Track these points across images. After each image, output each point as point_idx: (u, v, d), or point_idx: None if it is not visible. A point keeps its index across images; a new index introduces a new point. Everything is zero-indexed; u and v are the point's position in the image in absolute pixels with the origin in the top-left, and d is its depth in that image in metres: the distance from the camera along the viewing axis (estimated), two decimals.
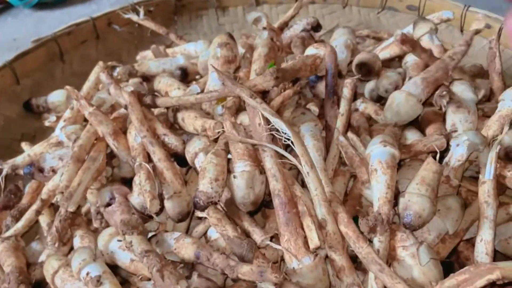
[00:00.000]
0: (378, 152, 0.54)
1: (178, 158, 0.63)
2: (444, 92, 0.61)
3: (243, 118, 0.61)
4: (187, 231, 0.59)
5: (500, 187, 0.59)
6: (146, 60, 0.90)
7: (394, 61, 0.82)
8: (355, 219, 0.57)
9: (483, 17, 0.79)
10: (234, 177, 0.53)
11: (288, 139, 0.53)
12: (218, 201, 0.56)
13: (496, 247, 0.57)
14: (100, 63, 0.75)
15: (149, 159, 0.60)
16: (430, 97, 0.69)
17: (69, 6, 1.43)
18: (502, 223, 0.57)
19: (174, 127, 0.68)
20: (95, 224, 0.61)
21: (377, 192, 0.52)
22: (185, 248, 0.51)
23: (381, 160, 0.53)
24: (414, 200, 0.51)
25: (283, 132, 0.53)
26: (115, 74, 0.82)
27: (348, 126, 0.67)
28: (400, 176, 0.59)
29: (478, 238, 0.53)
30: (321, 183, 0.52)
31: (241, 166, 0.54)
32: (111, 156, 0.66)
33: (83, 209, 0.65)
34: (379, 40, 0.98)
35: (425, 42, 0.76)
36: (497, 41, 0.77)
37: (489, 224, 0.53)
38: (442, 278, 0.49)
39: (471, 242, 0.61)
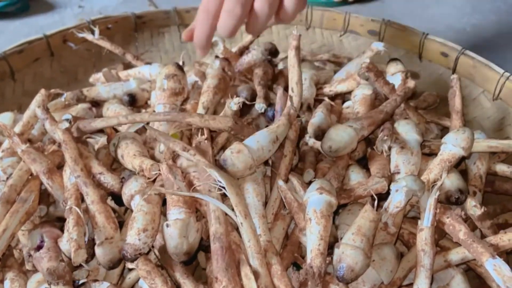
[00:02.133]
0: (313, 200, 0.53)
1: (117, 197, 0.60)
2: (386, 137, 0.61)
3: (184, 160, 0.59)
4: (120, 277, 0.57)
5: (440, 232, 0.59)
6: (98, 84, 0.88)
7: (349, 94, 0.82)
8: (296, 265, 0.56)
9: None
10: (167, 225, 0.51)
11: (223, 188, 0.52)
12: (153, 247, 0.54)
13: None
14: (42, 91, 0.72)
15: (83, 201, 0.57)
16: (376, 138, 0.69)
17: (30, 16, 1.39)
18: (440, 269, 0.57)
19: (117, 160, 0.66)
20: (28, 266, 0.59)
21: (310, 243, 0.51)
22: None
23: (316, 209, 0.52)
24: (348, 253, 0.50)
25: (218, 181, 0.51)
26: (62, 99, 0.80)
27: (296, 165, 0.67)
28: (340, 221, 0.58)
29: (414, 287, 0.53)
30: (255, 234, 0.50)
31: (175, 213, 0.52)
32: (47, 193, 0.63)
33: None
34: (339, 64, 0.98)
35: (394, 79, 0.77)
36: (457, 79, 0.78)
37: (425, 273, 0.53)
38: None
39: (410, 286, 0.61)
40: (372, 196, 0.58)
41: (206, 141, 0.58)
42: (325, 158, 0.68)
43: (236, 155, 0.54)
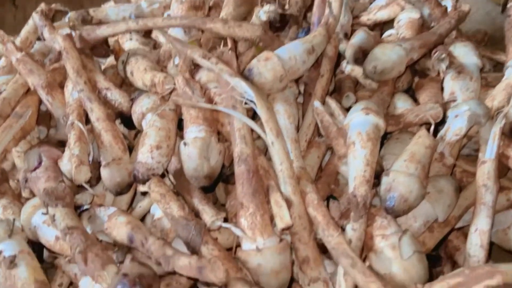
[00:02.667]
0: (358, 122, 0.45)
1: (125, 119, 0.53)
2: (443, 55, 0.51)
3: (204, 74, 0.50)
4: (130, 206, 0.50)
5: (501, 168, 0.50)
6: (106, 4, 0.78)
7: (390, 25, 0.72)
8: (333, 198, 0.49)
9: None
10: (185, 144, 0.43)
11: (251, 102, 0.43)
12: (167, 172, 0.47)
13: (492, 238, 0.49)
14: (42, 4, 0.63)
15: (87, 119, 0.50)
16: (424, 63, 0.59)
17: None
18: (501, 210, 0.49)
19: (126, 82, 0.58)
20: (24, 194, 0.51)
21: (353, 169, 0.43)
22: (118, 228, 0.42)
23: (361, 131, 0.44)
24: (401, 180, 0.42)
25: (245, 94, 0.43)
26: (65, 20, 0.71)
27: (332, 92, 0.58)
28: (386, 151, 0.49)
29: (472, 228, 0.45)
30: (288, 156, 0.42)
31: (193, 131, 0.44)
32: (48, 115, 0.55)
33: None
34: None
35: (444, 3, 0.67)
36: None
37: (487, 212, 0.44)
38: (427, 276, 0.40)
39: (462, 231, 0.53)
40: (423, 124, 0.49)
41: (230, 51, 0.49)
42: (364, 88, 0.59)
43: (263, 63, 0.45)
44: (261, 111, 0.43)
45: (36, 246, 0.48)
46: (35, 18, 0.55)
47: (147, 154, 0.43)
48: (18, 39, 0.62)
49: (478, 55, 0.56)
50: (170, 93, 0.48)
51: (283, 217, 0.40)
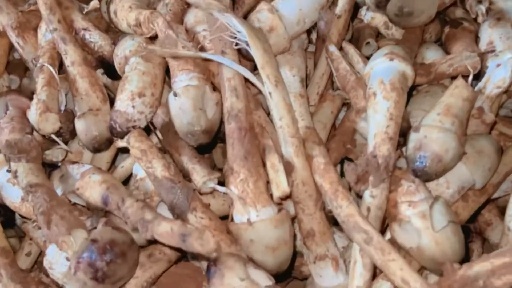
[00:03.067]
0: (381, 69, 0.37)
1: (107, 68, 0.45)
2: None
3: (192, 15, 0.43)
4: (111, 165, 0.43)
5: None
6: None
7: None
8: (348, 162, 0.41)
9: None
10: (175, 94, 0.36)
11: (245, 43, 0.36)
12: (153, 126, 0.39)
13: None
14: None
15: (61, 64, 0.43)
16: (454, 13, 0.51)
17: None
18: None
19: (112, 29, 0.50)
20: None
21: (374, 125, 0.35)
22: (91, 188, 0.35)
23: (384, 80, 0.36)
24: (434, 137, 0.34)
25: (237, 32, 0.36)
26: None
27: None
28: (413, 106, 0.42)
29: None
30: (289, 110, 0.35)
31: (184, 80, 0.37)
32: (22, 63, 0.48)
33: None
34: None
35: None
36: None
37: None
38: (463, 252, 0.33)
39: (495, 203, 0.46)
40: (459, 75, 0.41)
41: None
42: (384, 38, 0.51)
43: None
44: (256, 54, 0.35)
45: (2, 209, 0.41)
46: None
47: (127, 102, 0.36)
48: None
49: None
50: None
51: (279, 184, 0.33)
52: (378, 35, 0.53)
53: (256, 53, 0.35)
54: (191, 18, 0.42)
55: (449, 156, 0.34)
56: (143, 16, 0.41)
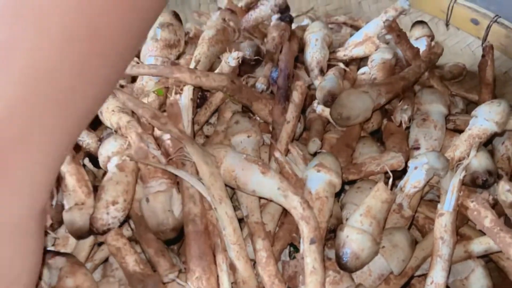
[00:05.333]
0: (310, 179, 0.46)
1: (92, 159, 0.53)
2: (406, 106, 0.52)
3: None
4: (92, 248, 0.50)
5: (462, 218, 0.51)
6: None
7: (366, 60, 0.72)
8: (295, 249, 0.49)
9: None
10: (147, 200, 0.44)
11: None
12: (128, 218, 0.47)
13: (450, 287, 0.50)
14: None
15: None
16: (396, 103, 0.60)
17: None
18: (459, 261, 0.49)
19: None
20: None
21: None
22: None
23: (311, 190, 0.45)
24: (354, 237, 0.42)
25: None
26: None
27: (300, 135, 0.59)
28: (347, 199, 0.50)
29: (428, 280, 0.46)
30: (231, 222, 0.43)
31: (154, 186, 0.45)
32: None
33: None
34: (356, 29, 0.88)
35: (419, 44, 0.68)
36: (491, 48, 0.68)
37: (443, 265, 0.45)
38: None
39: (424, 276, 0.54)
40: (386, 173, 0.50)
41: (190, 100, 0.50)
42: (334, 128, 0.60)
43: None
44: (203, 177, 0.44)
45: None
46: None
47: (102, 210, 0.44)
48: None
49: (444, 102, 0.57)
50: None
51: (223, 283, 0.41)
52: (328, 123, 0.62)
53: (204, 175, 0.44)
54: (157, 130, 0.50)
55: (365, 254, 0.42)
56: (122, 122, 0.50)
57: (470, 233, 0.52)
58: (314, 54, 0.67)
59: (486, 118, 0.52)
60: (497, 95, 0.80)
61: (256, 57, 0.60)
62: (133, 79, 0.67)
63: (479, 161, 0.51)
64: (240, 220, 0.47)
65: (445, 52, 0.87)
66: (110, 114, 0.52)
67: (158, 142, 0.49)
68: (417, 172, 0.48)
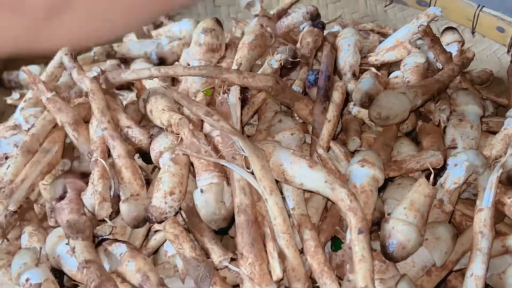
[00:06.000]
0: (354, 174, 0.48)
1: (144, 154, 0.56)
2: (444, 106, 0.55)
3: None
4: (145, 238, 0.53)
5: (498, 215, 0.53)
6: (128, 39, 0.83)
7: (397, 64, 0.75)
8: (336, 242, 0.51)
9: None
10: (202, 191, 0.47)
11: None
12: (180, 209, 0.50)
13: (488, 281, 0.51)
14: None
15: (109, 154, 0.53)
16: (429, 106, 0.62)
17: None
18: (496, 255, 0.51)
19: (146, 118, 0.62)
20: (50, 223, 0.55)
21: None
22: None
23: (356, 184, 0.47)
24: (399, 229, 0.44)
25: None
26: (91, 54, 0.76)
27: (337, 135, 0.61)
28: (388, 195, 0.52)
29: (468, 272, 0.47)
30: (281, 212, 0.45)
31: (207, 178, 0.48)
32: (71, 147, 0.59)
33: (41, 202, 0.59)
34: (384, 36, 0.91)
35: (449, 49, 0.70)
36: None
37: (482, 258, 0.47)
38: None
39: (461, 272, 0.56)
40: (424, 171, 0.52)
41: (238, 99, 0.53)
42: (369, 129, 0.62)
43: None
44: (254, 170, 0.46)
45: (58, 273, 0.51)
46: (64, 60, 0.59)
47: (160, 199, 0.46)
48: (44, 73, 0.66)
49: (479, 103, 0.59)
50: None
51: (274, 270, 0.43)
52: (364, 124, 0.64)
53: (255, 168, 0.46)
54: (207, 126, 0.53)
55: (411, 244, 0.44)
56: (173, 120, 0.53)
57: (506, 230, 0.53)
58: (347, 58, 0.70)
59: None
60: None
61: (296, 60, 0.63)
62: (172, 81, 0.71)
63: None
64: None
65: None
66: (160, 113, 0.55)
67: (208, 138, 0.52)
68: (457, 169, 0.50)
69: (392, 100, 0.55)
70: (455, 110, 0.58)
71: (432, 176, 0.49)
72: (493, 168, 0.51)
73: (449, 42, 0.72)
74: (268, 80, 0.54)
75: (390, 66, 0.76)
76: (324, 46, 0.60)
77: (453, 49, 0.71)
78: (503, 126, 0.55)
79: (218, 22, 0.68)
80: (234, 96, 0.54)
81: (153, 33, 0.86)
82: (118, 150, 0.52)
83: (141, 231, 0.52)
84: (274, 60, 0.57)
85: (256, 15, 0.74)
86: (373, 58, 0.75)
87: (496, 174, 0.50)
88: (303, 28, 0.74)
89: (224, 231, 0.49)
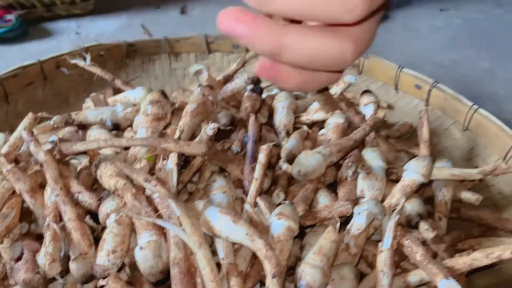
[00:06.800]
0: (273, 226, 0.57)
1: (93, 216, 0.63)
2: (350, 163, 0.64)
3: None
4: None
5: (401, 253, 0.62)
6: (86, 108, 0.92)
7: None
8: (263, 285, 0.59)
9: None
10: (141, 248, 0.54)
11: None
12: (124, 264, 0.57)
13: None
14: (29, 114, 0.76)
15: (61, 218, 0.60)
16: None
17: (29, 42, 1.45)
18: None
19: (97, 181, 0.69)
20: (11, 281, 0.61)
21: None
22: None
23: (273, 235, 0.55)
24: (307, 271, 0.53)
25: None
26: (50, 122, 0.84)
27: (269, 188, 0.70)
28: (306, 241, 0.61)
29: None
30: (209, 262, 0.52)
31: (146, 237, 0.55)
32: (29, 211, 0.66)
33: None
34: None
35: (367, 109, 0.82)
36: (425, 111, 0.82)
37: None
38: None
39: None
40: (338, 218, 0.61)
41: (175, 165, 0.61)
42: (297, 182, 0.71)
43: None
44: (185, 227, 0.53)
45: None
46: (23, 134, 0.67)
47: (104, 258, 0.54)
48: (7, 144, 0.74)
49: (383, 158, 0.69)
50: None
51: None
52: (293, 178, 0.73)
53: (185, 226, 0.53)
54: (148, 190, 0.61)
55: (317, 285, 0.52)
56: (119, 185, 0.61)
57: (409, 267, 0.62)
58: (281, 119, 0.81)
59: (414, 171, 0.64)
60: (440, 148, 0.94)
61: (229, 126, 0.73)
62: (126, 147, 0.79)
63: (412, 206, 0.63)
64: (218, 264, 0.57)
65: (396, 112, 1.02)
66: (108, 178, 0.63)
67: (149, 200, 0.60)
68: (360, 216, 0.59)
69: (309, 159, 0.65)
70: (364, 165, 0.68)
71: (338, 224, 0.58)
72: (392, 215, 0.60)
73: (367, 103, 0.84)
74: (201, 147, 0.63)
75: (322, 123, 0.87)
76: (250, 116, 0.70)
77: (370, 109, 0.83)
78: (401, 179, 0.65)
79: (163, 94, 0.78)
80: (172, 162, 0.62)
81: (110, 99, 0.95)
82: (68, 214, 0.59)
83: (90, 285, 0.59)
84: (209, 129, 0.67)
85: (200, 85, 0.84)
86: (304, 118, 0.86)
87: (393, 219, 0.59)
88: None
89: (162, 283, 0.56)
